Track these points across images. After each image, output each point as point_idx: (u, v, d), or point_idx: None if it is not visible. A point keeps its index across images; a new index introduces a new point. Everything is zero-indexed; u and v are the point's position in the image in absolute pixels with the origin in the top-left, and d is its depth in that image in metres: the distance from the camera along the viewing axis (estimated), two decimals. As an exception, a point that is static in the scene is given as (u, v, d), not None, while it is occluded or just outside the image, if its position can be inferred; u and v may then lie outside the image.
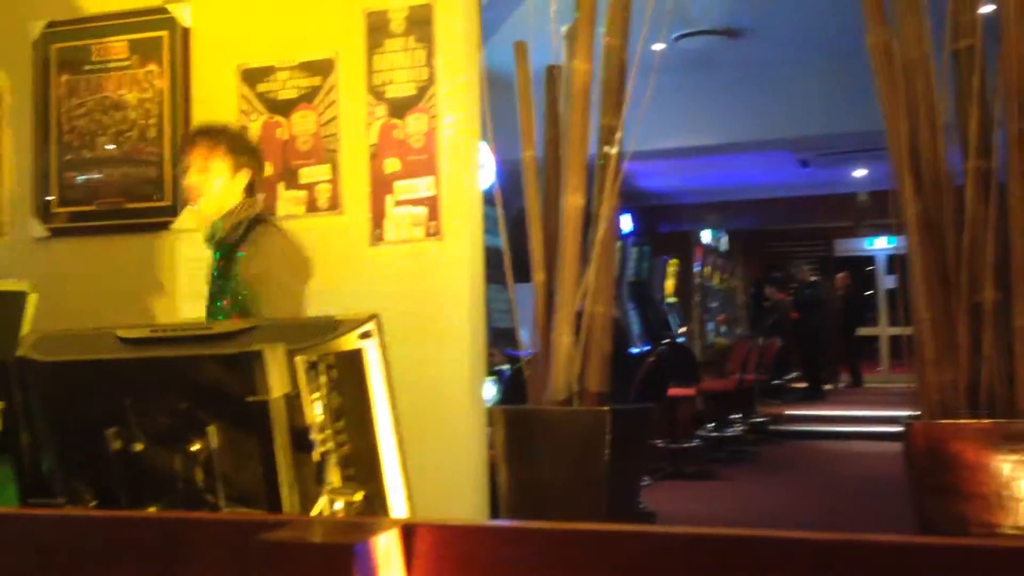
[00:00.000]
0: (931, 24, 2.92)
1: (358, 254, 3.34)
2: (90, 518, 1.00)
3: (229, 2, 3.62)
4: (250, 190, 2.60)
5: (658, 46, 6.84)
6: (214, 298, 2.54)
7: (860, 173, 11.12)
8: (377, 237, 3.34)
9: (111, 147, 3.69)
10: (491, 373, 4.26)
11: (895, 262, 14.25)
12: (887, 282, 14.23)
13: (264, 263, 2.43)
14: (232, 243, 2.53)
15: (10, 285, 3.29)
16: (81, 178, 3.73)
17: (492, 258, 3.68)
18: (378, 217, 3.35)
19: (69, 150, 3.74)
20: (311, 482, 0.98)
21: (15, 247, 3.80)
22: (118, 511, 1.03)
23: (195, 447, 0.99)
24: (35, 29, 3.80)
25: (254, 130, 3.53)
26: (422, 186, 3.32)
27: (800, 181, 11.49)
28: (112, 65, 3.71)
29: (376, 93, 3.39)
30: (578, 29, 3.66)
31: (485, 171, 3.94)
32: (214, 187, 2.51)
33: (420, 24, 3.35)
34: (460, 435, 3.22)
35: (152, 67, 3.66)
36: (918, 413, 2.88)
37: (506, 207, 3.87)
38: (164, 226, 3.60)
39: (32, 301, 3.02)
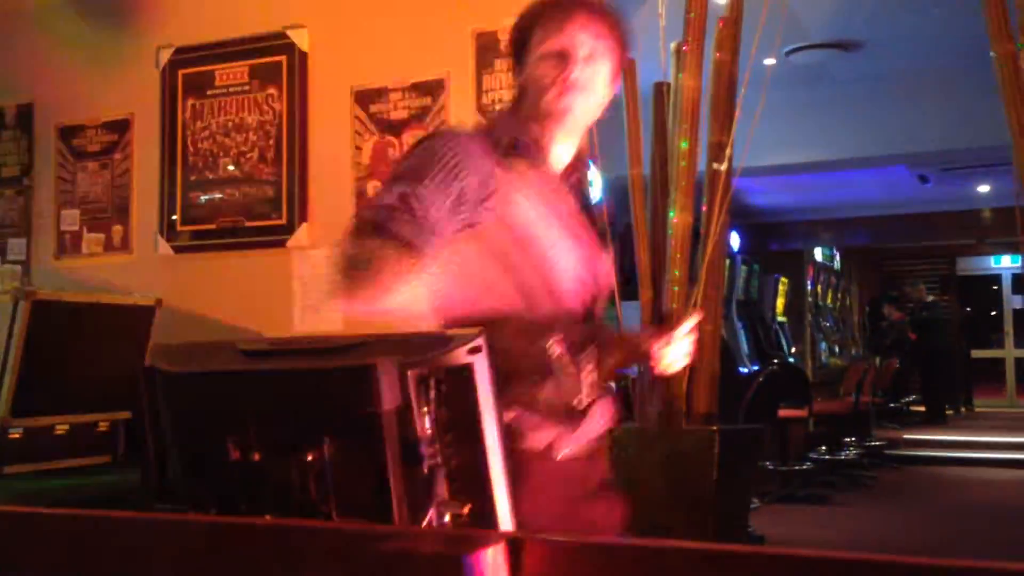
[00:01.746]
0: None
1: (466, 271, 3.39)
2: (211, 524, 1.04)
3: (344, 26, 3.73)
4: None
5: (769, 61, 6.73)
6: None
7: (984, 188, 10.67)
8: (485, 254, 3.37)
9: (232, 168, 3.85)
10: (597, 391, 4.24)
11: (1022, 281, 13.59)
12: (1014, 302, 13.58)
13: None
14: None
15: (138, 299, 3.47)
16: (204, 198, 3.89)
17: (599, 275, 3.67)
18: (486, 234, 3.38)
19: (193, 171, 3.92)
20: (421, 494, 0.99)
21: (142, 264, 3.99)
22: (237, 518, 1.07)
23: (310, 458, 1.02)
24: (164, 56, 3.99)
25: (366, 150, 3.62)
26: (529, 204, 3.34)
27: (919, 197, 11.08)
28: (234, 89, 3.87)
29: (486, 112, 3.44)
30: (686, 45, 3.63)
31: (593, 187, 3.92)
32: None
33: (528, 44, 3.39)
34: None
35: (271, 90, 3.80)
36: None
37: (613, 224, 3.86)
38: (280, 243, 3.72)
39: (158, 315, 3.17)
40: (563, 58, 1.62)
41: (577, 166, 1.76)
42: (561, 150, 1.70)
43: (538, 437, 1.52)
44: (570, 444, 1.55)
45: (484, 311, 1.54)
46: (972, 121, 6.93)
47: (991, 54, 2.88)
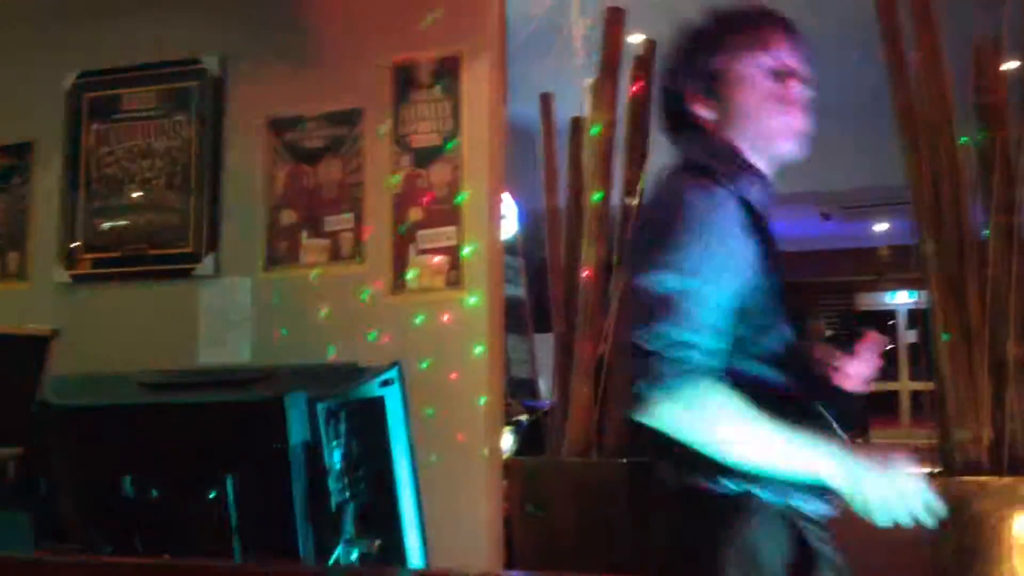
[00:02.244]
0: (955, 77, 2.93)
1: (379, 302, 3.35)
2: (104, 565, 0.99)
3: (259, 53, 3.68)
4: None
5: (680, 99, 6.87)
6: None
7: (881, 227, 11.08)
8: (399, 286, 3.35)
9: (138, 194, 3.74)
10: (509, 423, 4.24)
11: (916, 316, 14.13)
12: (908, 336, 14.09)
13: None
14: None
15: (33, 330, 3.32)
16: (107, 225, 3.77)
17: (512, 308, 3.68)
18: (400, 266, 3.36)
19: (97, 197, 3.79)
20: (329, 530, 0.97)
21: (39, 292, 3.84)
22: (132, 558, 1.03)
23: (212, 494, 0.99)
24: (68, 79, 3.88)
25: (280, 179, 3.56)
26: (444, 236, 3.33)
27: (822, 234, 11.45)
28: (142, 114, 3.77)
29: (402, 143, 3.43)
30: (601, 81, 3.70)
31: (508, 221, 3.95)
32: None
33: (447, 76, 3.40)
34: (476, 486, 3.20)
35: (181, 116, 3.72)
36: (939, 470, 2.83)
37: (528, 257, 3.88)
38: (187, 272, 3.63)
39: (54, 346, 3.05)
40: (781, 75, 1.52)
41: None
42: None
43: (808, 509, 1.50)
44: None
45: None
46: (873, 162, 7.19)
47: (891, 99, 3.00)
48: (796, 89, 1.54)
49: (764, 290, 1.48)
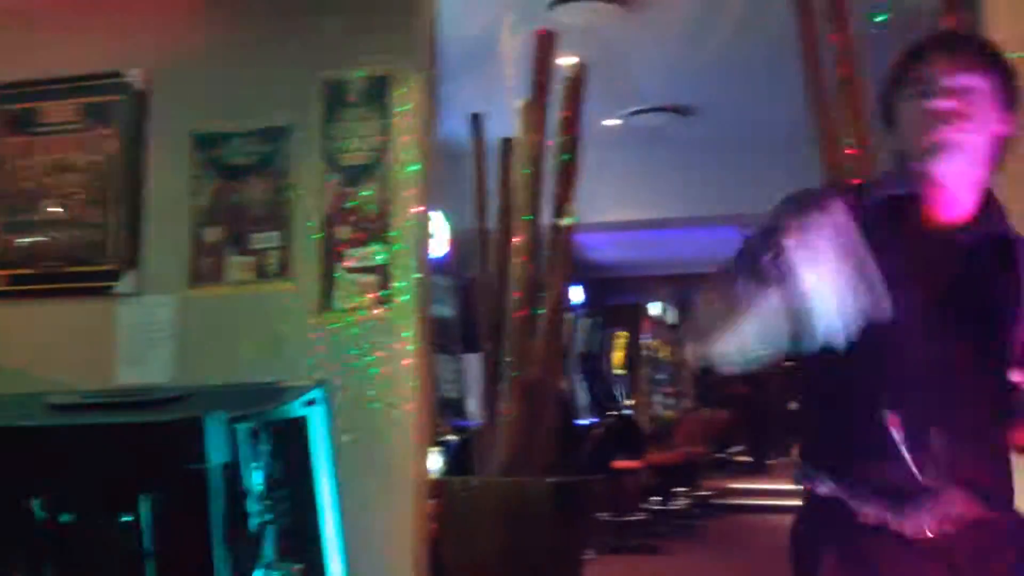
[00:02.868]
0: (873, 105, 3.03)
1: (307, 321, 3.31)
2: (13, 591, 0.96)
3: (184, 68, 3.63)
4: None
5: (611, 121, 7.00)
6: None
7: (804, 250, 11.35)
8: (326, 305, 3.32)
9: (56, 210, 3.64)
10: (437, 443, 4.22)
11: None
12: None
13: None
14: None
15: (-57, 346, 3.20)
16: (24, 241, 3.66)
17: (441, 327, 3.67)
18: (328, 284, 3.33)
19: (14, 212, 3.68)
20: (249, 554, 0.95)
21: (-49, 308, 3.70)
22: (43, 584, 0.99)
23: (127, 517, 0.96)
24: (-16, 89, 3.76)
25: (205, 195, 3.51)
26: (373, 254, 3.31)
27: (747, 256, 11.68)
28: (62, 128, 3.68)
29: (330, 161, 3.40)
30: (532, 103, 3.73)
31: (437, 241, 3.96)
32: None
33: (377, 94, 3.39)
34: (403, 507, 3.16)
35: (103, 130, 3.63)
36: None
37: (457, 276, 3.87)
38: (106, 290, 3.54)
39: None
40: (924, 91, 1.49)
41: (980, 221, 1.52)
42: (951, 197, 1.51)
43: (865, 514, 1.47)
44: (907, 526, 1.43)
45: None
46: (796, 185, 7.38)
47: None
48: (936, 102, 1.51)
49: None
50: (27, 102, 3.71)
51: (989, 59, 1.51)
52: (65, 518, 0.99)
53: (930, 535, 1.41)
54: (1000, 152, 1.50)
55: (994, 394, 1.44)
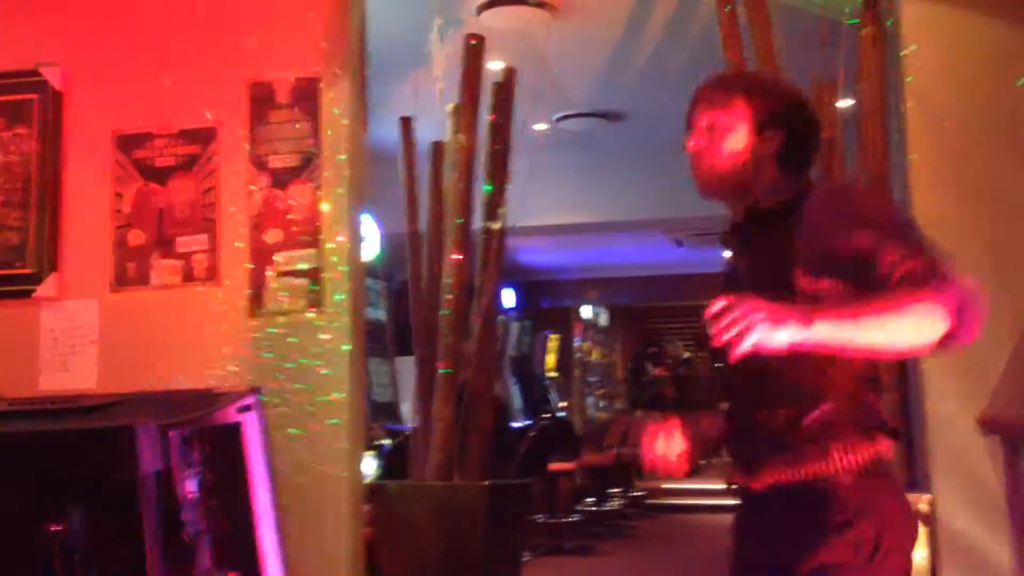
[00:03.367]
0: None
1: (237, 325, 3.25)
2: (-68, 608, 0.92)
3: (104, 67, 3.54)
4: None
5: (540, 126, 7.04)
6: None
7: (729, 253, 11.56)
8: (257, 308, 3.26)
9: (-28, 211, 3.52)
10: (371, 447, 4.19)
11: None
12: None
13: None
14: None
15: None
16: (-63, 243, 3.53)
17: (374, 331, 3.64)
18: (258, 288, 3.28)
19: (-75, 213, 3.55)
20: (183, 563, 0.93)
21: None
22: (-35, 600, 0.96)
23: (55, 528, 0.93)
24: None
25: (128, 197, 3.42)
26: (304, 258, 3.27)
27: (675, 259, 11.87)
28: (-23, 126, 3.55)
29: (259, 163, 3.35)
30: (462, 106, 3.73)
31: (368, 243, 3.93)
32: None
33: (305, 96, 3.35)
34: (338, 511, 3.13)
35: (20, 130, 3.52)
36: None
37: (388, 280, 3.85)
38: (27, 294, 3.43)
39: None
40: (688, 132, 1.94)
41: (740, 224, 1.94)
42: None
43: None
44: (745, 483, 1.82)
45: None
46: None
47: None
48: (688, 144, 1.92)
49: None
50: (-60, 101, 3.58)
51: (738, 95, 1.84)
52: (-10, 529, 0.95)
53: (757, 490, 1.75)
54: (770, 156, 1.80)
55: (799, 364, 1.61)
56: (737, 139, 1.83)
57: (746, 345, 1.45)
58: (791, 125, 1.81)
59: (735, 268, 1.92)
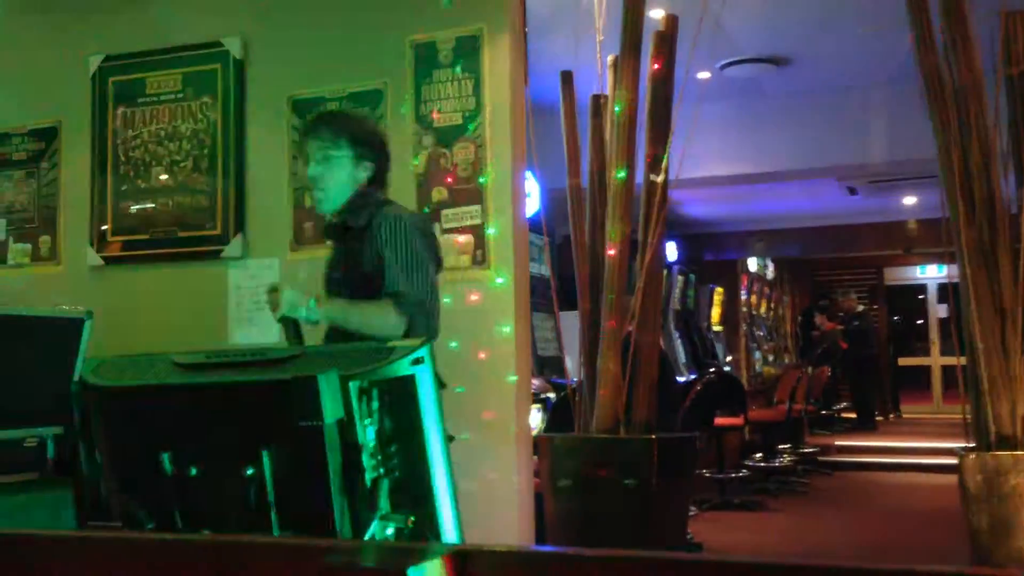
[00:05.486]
0: (983, 50, 2.89)
1: (405, 282, 3.36)
2: (146, 541, 1.01)
3: (280, 35, 3.69)
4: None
5: (703, 75, 6.85)
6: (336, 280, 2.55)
7: (910, 200, 10.97)
8: (424, 265, 3.36)
9: (165, 177, 3.77)
10: (537, 401, 4.26)
11: (947, 291, 13.99)
12: (939, 311, 13.98)
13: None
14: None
15: (67, 312, 3.37)
16: (135, 208, 3.81)
17: (538, 286, 3.67)
18: (425, 245, 3.37)
19: (124, 180, 3.83)
20: (363, 507, 0.98)
21: (71, 275, 3.89)
22: (173, 534, 1.05)
23: (249, 471, 1.00)
24: (93, 63, 3.91)
25: (302, 159, 3.57)
26: (468, 215, 3.34)
27: (848, 208, 11.35)
28: (167, 97, 3.80)
29: (424, 122, 3.43)
30: (623, 58, 3.67)
31: (530, 199, 3.95)
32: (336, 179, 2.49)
33: (467, 54, 3.39)
34: (507, 463, 3.22)
35: (206, 99, 3.74)
36: (972, 445, 2.82)
37: (552, 235, 3.87)
38: (215, 254, 3.66)
39: (88, 327, 3.08)
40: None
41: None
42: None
43: None
44: None
45: None
46: (899, 134, 7.12)
47: (918, 70, 2.96)
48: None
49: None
50: (134, 73, 3.85)
51: (344, 132, 2.48)
52: (193, 472, 1.03)
53: None
54: (375, 178, 2.52)
55: None
56: (347, 167, 2.49)
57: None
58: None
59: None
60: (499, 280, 3.27)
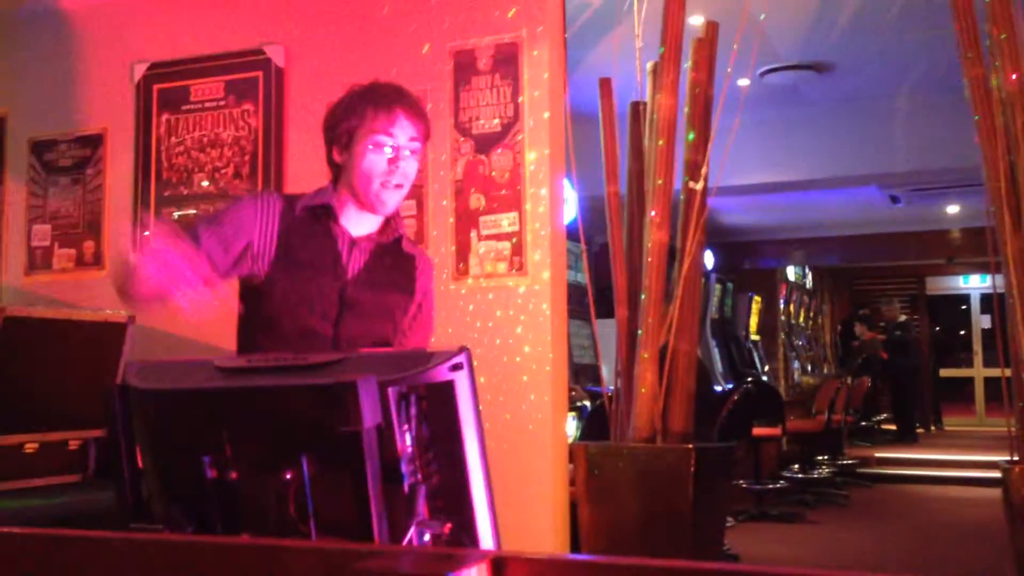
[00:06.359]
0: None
1: (442, 288, 3.38)
2: (186, 544, 1.02)
3: (321, 43, 3.73)
4: None
5: (743, 81, 6.81)
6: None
7: (953, 209, 10.81)
8: (461, 271, 3.37)
9: (207, 183, 3.82)
10: (573, 409, 4.25)
11: (991, 301, 13.76)
12: (983, 321, 13.75)
13: None
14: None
15: (110, 316, 3.43)
16: (178, 213, 3.87)
17: (575, 293, 3.67)
18: (463, 252, 3.38)
19: (167, 186, 3.89)
20: (401, 512, 0.99)
21: (115, 279, 3.94)
22: (214, 537, 1.06)
23: (288, 476, 1.01)
24: (138, 71, 3.97)
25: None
26: (506, 221, 3.35)
27: (889, 217, 11.21)
28: (209, 104, 3.85)
29: (462, 129, 3.44)
30: (663, 65, 3.66)
31: (568, 206, 3.94)
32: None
33: (506, 61, 3.40)
34: (542, 471, 3.21)
35: (247, 106, 3.78)
36: (1017, 458, 2.76)
37: (589, 243, 3.86)
38: (255, 260, 3.70)
39: (131, 331, 3.13)
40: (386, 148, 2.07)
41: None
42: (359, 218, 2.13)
43: None
44: None
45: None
46: (942, 142, 7.03)
47: (962, 77, 2.92)
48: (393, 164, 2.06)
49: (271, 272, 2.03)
50: (177, 81, 3.91)
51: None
52: (232, 476, 1.04)
53: None
54: None
55: None
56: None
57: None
58: None
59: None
60: (536, 287, 3.27)
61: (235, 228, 2.00)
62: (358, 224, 2.12)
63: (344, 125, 2.12)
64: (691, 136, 3.59)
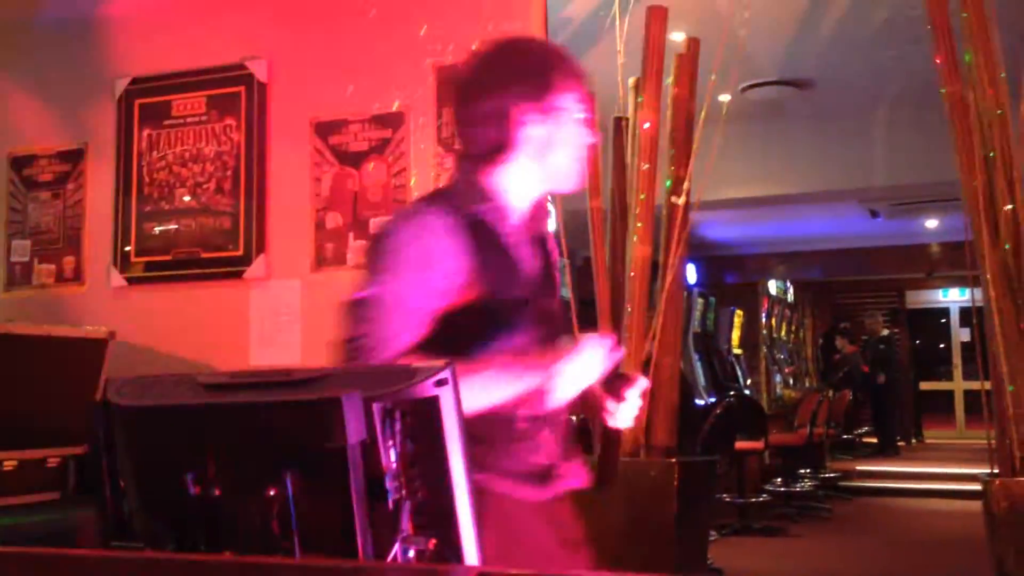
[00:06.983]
0: (1007, 74, 2.88)
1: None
2: (169, 562, 1.01)
3: (303, 58, 3.73)
4: None
5: (725, 97, 6.87)
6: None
7: (932, 223, 10.91)
8: (444, 286, 3.37)
9: (188, 199, 3.81)
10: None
11: (970, 314, 13.86)
12: (962, 335, 13.86)
13: None
14: None
15: (90, 332, 3.40)
16: (159, 229, 3.85)
17: (558, 308, 3.66)
18: (445, 266, 3.38)
19: (148, 201, 3.87)
20: (386, 529, 0.98)
21: (95, 295, 3.92)
22: (196, 555, 1.05)
23: (272, 493, 1.00)
24: (119, 86, 3.96)
25: (326, 182, 3.60)
26: (489, 236, 3.35)
27: (869, 231, 11.31)
28: (191, 119, 3.84)
29: (446, 145, 3.45)
30: (645, 81, 3.68)
31: (550, 220, 3.95)
32: None
33: (489, 77, 3.41)
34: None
35: (229, 121, 3.77)
36: (997, 471, 2.78)
37: (571, 257, 3.87)
38: (237, 275, 3.68)
39: (111, 347, 3.11)
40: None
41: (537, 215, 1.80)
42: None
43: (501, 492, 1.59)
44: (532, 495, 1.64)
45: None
46: (921, 157, 7.10)
47: (941, 92, 2.96)
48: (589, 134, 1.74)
49: (475, 301, 1.59)
50: (158, 96, 3.89)
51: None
52: (215, 492, 1.03)
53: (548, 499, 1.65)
54: None
55: None
56: None
57: None
58: None
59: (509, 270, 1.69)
60: (519, 302, 3.26)
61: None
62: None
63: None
64: (672, 151, 3.61)
